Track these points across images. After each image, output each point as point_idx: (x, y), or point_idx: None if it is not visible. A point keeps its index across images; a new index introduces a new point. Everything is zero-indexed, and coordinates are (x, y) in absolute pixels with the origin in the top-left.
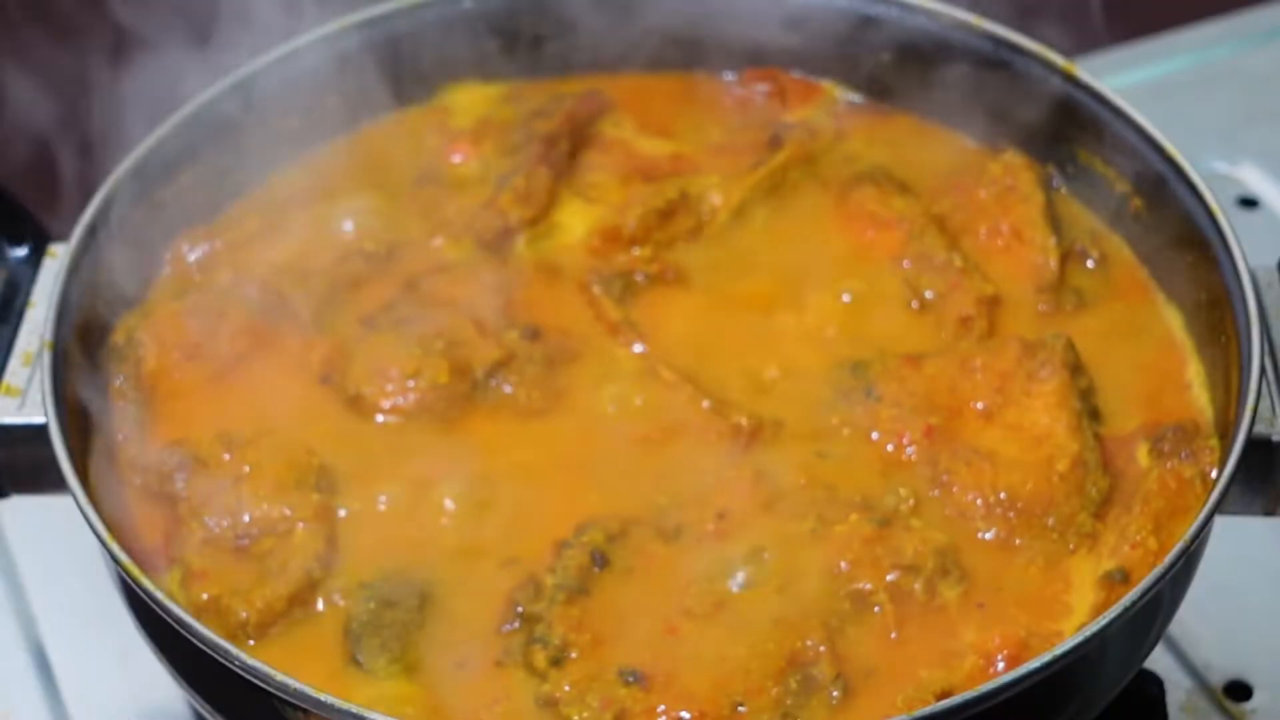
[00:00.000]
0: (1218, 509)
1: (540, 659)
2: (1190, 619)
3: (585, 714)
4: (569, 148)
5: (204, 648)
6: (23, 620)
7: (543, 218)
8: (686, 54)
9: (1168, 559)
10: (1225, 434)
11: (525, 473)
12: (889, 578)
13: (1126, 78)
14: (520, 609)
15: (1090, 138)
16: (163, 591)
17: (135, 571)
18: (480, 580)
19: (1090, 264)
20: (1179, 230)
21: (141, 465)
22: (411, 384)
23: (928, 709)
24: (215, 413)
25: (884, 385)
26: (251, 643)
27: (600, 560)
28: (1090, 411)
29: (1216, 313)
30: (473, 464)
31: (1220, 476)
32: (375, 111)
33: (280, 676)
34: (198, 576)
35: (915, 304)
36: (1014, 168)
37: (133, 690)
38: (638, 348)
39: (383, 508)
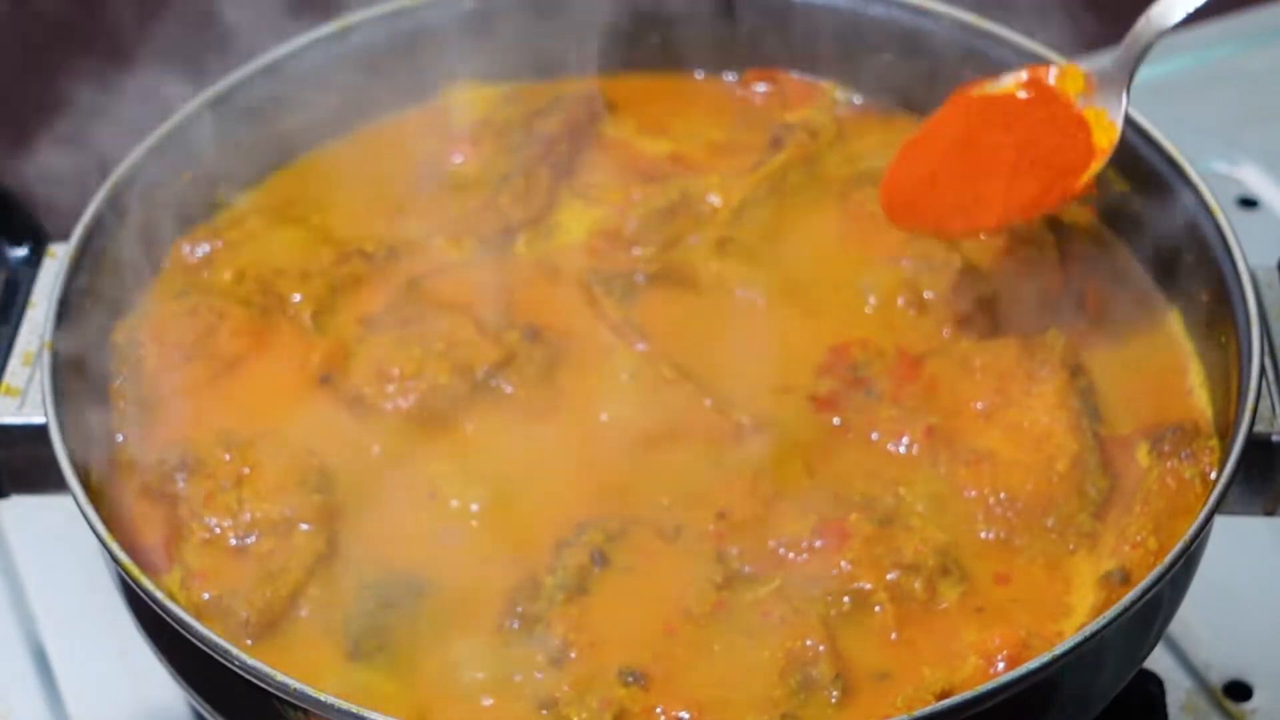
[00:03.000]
0: (1218, 509)
1: (540, 659)
2: (1190, 619)
3: (585, 714)
4: (569, 148)
5: (204, 648)
6: (23, 620)
7: (543, 218)
8: (687, 54)
9: (1168, 559)
10: (1225, 434)
11: (525, 473)
12: (889, 577)
13: None
14: (520, 608)
15: None
16: (163, 591)
17: (135, 571)
18: (480, 580)
19: (1090, 264)
20: (1179, 230)
21: (141, 465)
22: (412, 384)
23: (928, 709)
24: (215, 413)
25: (884, 385)
26: (251, 642)
27: (600, 560)
28: (1090, 411)
29: (1216, 313)
30: (473, 464)
31: (1220, 476)
32: (375, 111)
33: (280, 676)
34: (198, 576)
35: (915, 304)
36: None
37: (133, 690)
38: (639, 347)
39: (382, 508)
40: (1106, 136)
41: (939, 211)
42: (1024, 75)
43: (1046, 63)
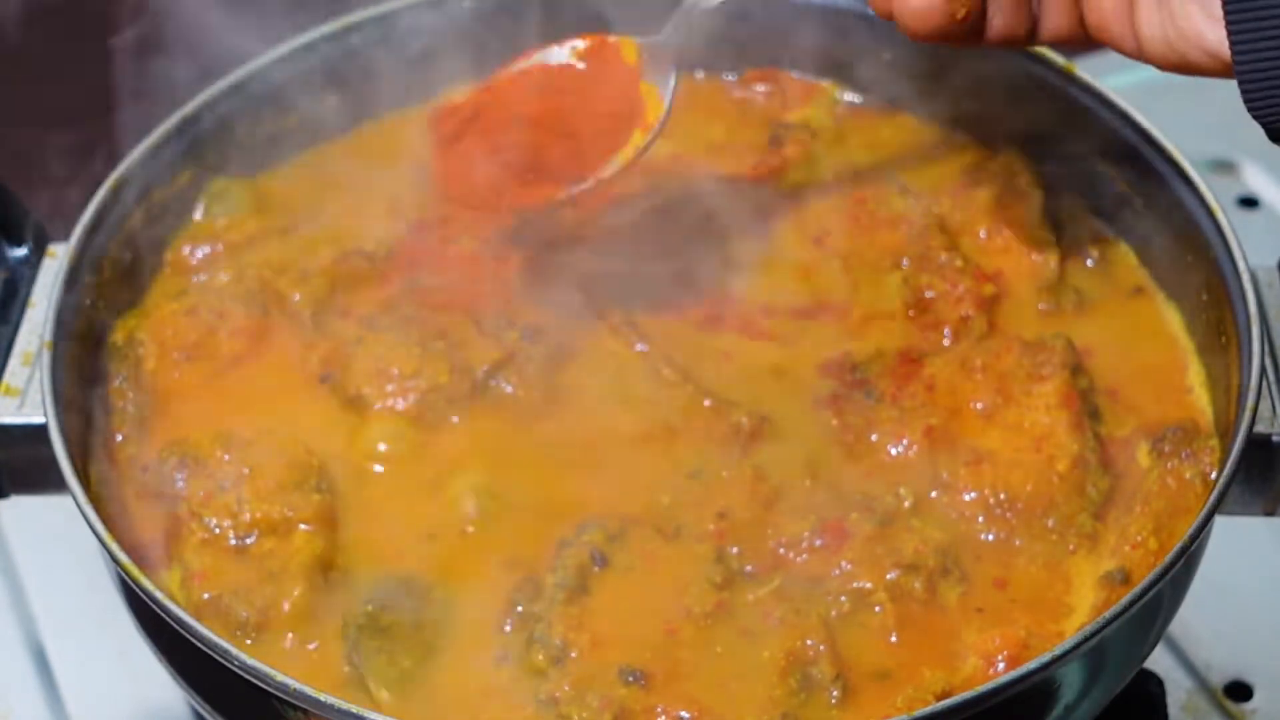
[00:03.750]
0: (1218, 509)
1: (540, 658)
2: (1190, 619)
3: (585, 714)
4: None
5: (204, 648)
6: (23, 620)
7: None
8: (685, 54)
9: (1168, 559)
10: (1225, 434)
11: (525, 472)
12: (889, 577)
13: (1126, 78)
14: (520, 608)
15: (1090, 138)
16: (163, 591)
17: (135, 571)
18: (480, 580)
19: (1090, 264)
20: (1179, 230)
21: (141, 465)
22: (411, 384)
23: (928, 709)
24: (215, 413)
25: (884, 385)
26: (251, 643)
27: (600, 560)
28: (1090, 412)
29: (1216, 313)
30: (472, 464)
31: (1220, 476)
32: (375, 111)
33: (280, 676)
34: (198, 576)
35: (915, 304)
36: (1013, 168)
37: (133, 690)
38: (639, 347)
39: (382, 507)
40: (654, 113)
41: (499, 187)
42: (583, 44)
43: (1047, 64)
